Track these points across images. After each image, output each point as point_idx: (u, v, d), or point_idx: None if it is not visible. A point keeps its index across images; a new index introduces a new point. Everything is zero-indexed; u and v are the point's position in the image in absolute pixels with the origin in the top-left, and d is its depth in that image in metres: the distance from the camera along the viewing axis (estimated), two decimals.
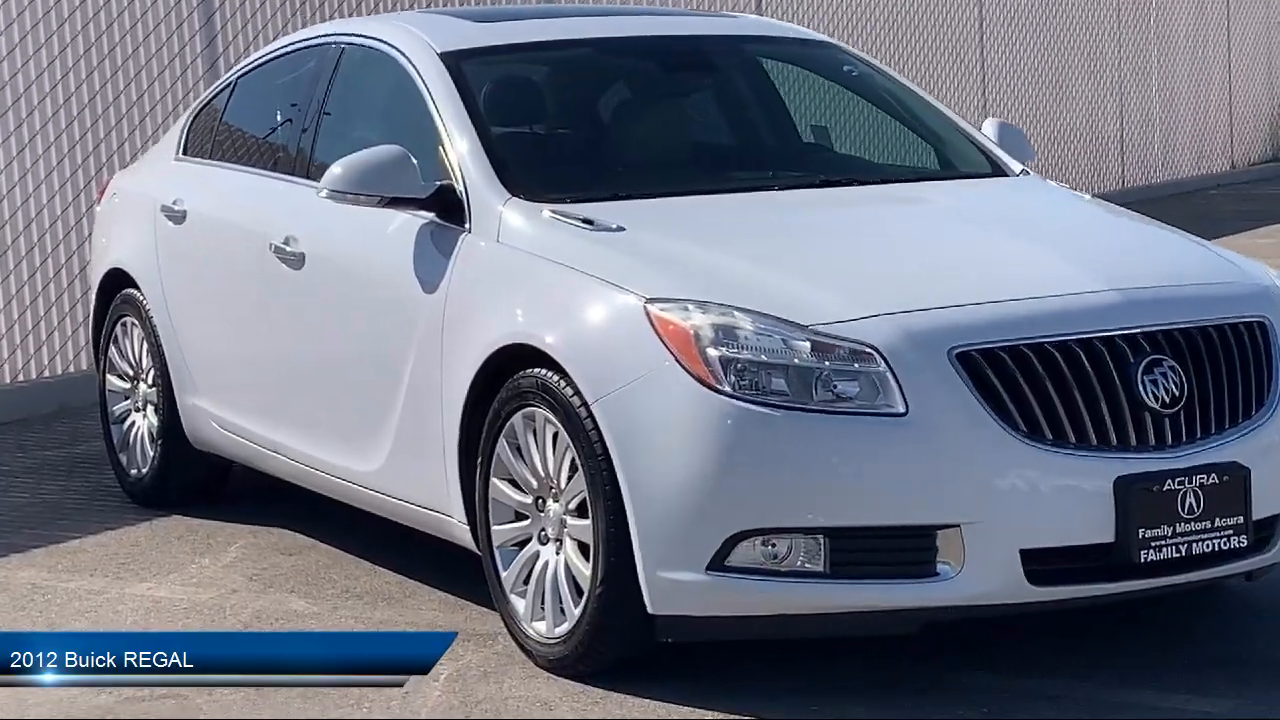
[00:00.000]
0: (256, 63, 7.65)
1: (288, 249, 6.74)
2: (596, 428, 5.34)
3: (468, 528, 5.95)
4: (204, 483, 7.83)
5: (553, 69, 6.77)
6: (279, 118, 7.30)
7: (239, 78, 7.72)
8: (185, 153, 7.88)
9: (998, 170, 6.70)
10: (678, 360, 5.22)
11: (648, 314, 5.32)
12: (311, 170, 6.88)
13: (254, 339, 7.00)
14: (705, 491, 5.15)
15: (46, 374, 10.16)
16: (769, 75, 7.14)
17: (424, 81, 6.46)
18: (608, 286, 5.48)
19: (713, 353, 5.19)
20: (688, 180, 6.40)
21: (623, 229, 5.75)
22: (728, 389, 5.16)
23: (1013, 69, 17.90)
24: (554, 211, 5.89)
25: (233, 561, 7.01)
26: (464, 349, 5.85)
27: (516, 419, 5.67)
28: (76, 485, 8.33)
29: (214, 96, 7.85)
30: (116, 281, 7.98)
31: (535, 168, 6.29)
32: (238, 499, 7.85)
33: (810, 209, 6.13)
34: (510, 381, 5.67)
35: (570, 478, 5.51)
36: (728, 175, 6.56)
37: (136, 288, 7.81)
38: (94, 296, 8.20)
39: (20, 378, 10.06)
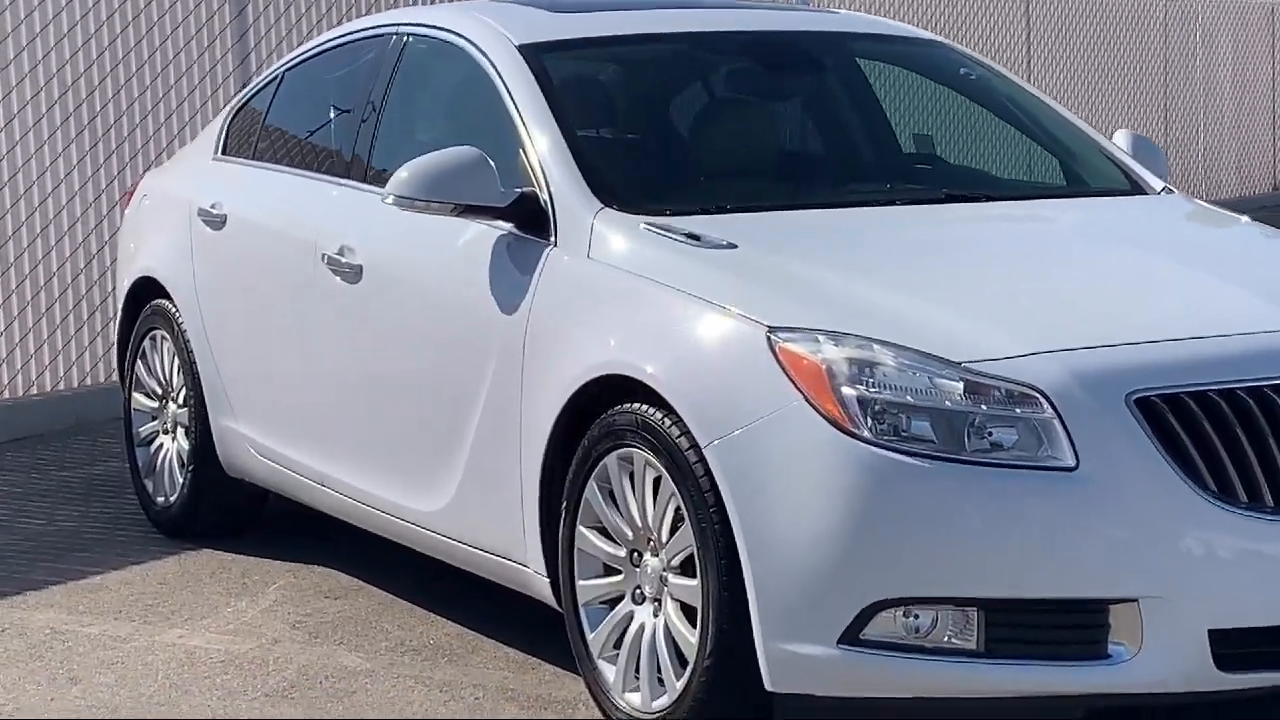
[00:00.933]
0: (306, 55, 6.91)
1: (343, 260, 6.00)
2: (708, 474, 4.61)
3: (547, 580, 5.22)
4: (238, 513, 7.10)
5: (643, 65, 6.03)
6: (332, 115, 6.56)
7: (286, 71, 6.98)
8: (224, 152, 7.14)
9: (1136, 187, 5.95)
10: (807, 399, 4.48)
11: (771, 345, 4.59)
12: (369, 174, 6.15)
13: (301, 358, 6.27)
14: (839, 552, 4.42)
15: (62, 386, 9.42)
16: (866, 77, 6.41)
17: (501, 77, 5.73)
18: (721, 312, 4.74)
19: (848, 391, 4.45)
20: (798, 192, 5.67)
21: (734, 246, 5.01)
22: (866, 434, 4.42)
23: (1061, 92, 17.21)
24: (651, 225, 5.16)
25: (272, 605, 6.27)
26: (549, 378, 5.12)
27: (610, 460, 4.94)
28: (96, 511, 7.59)
29: (258, 91, 7.11)
30: (145, 290, 7.25)
31: (629, 175, 5.56)
32: (274, 531, 7.12)
33: (942, 226, 5.39)
34: (604, 417, 4.94)
35: (674, 530, 4.78)
36: (842, 187, 5.82)
37: (168, 298, 7.08)
38: (119, 306, 7.46)
39: (35, 390, 9.33)
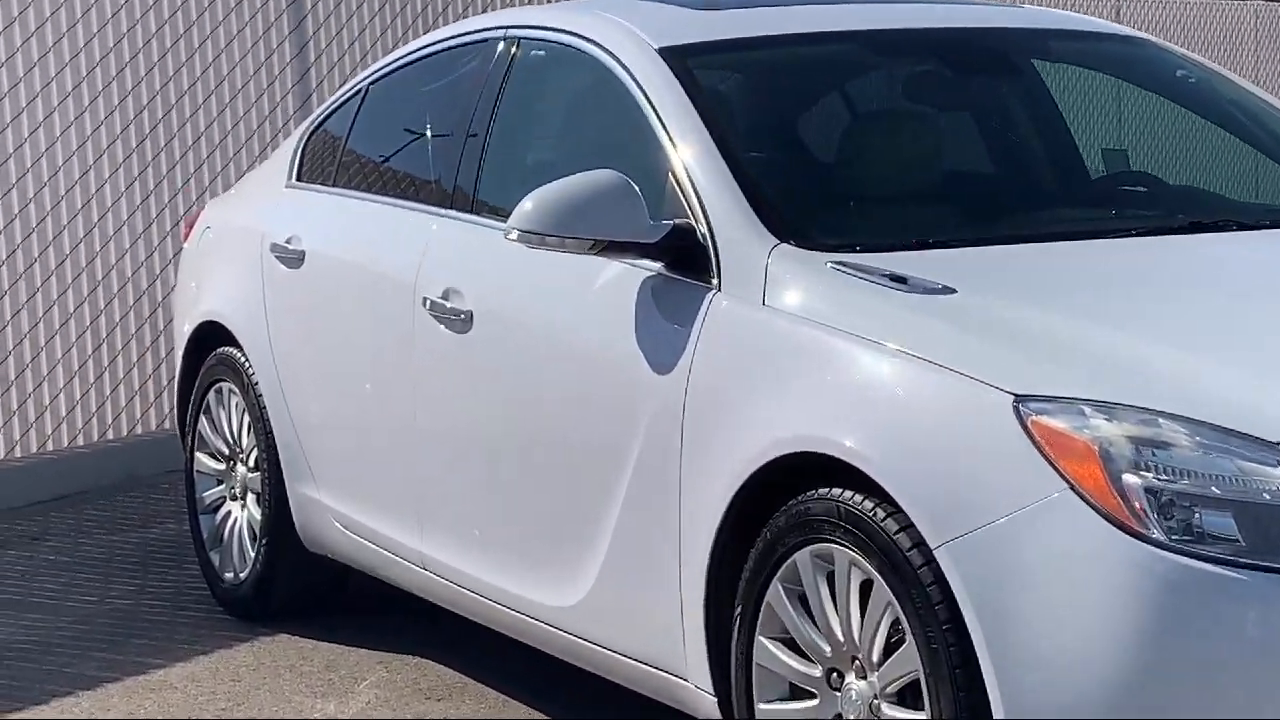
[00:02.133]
0: (394, 65, 5.92)
1: (448, 305, 5.02)
2: (940, 580, 3.61)
3: (713, 699, 4.23)
4: (317, 593, 6.11)
5: (809, 71, 5.02)
6: (428, 135, 5.57)
7: (370, 84, 5.99)
8: (299, 178, 6.16)
9: None
10: (1074, 489, 3.48)
11: (1020, 418, 3.58)
12: (476, 204, 5.16)
13: (397, 419, 5.28)
14: (1121, 685, 3.42)
15: (110, 435, 8.44)
16: (1043, 80, 5.40)
17: (640, 86, 4.73)
18: (949, 375, 3.74)
19: (1132, 480, 3.45)
20: (1011, 221, 4.66)
21: (952, 290, 4.00)
22: (1157, 534, 3.42)
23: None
24: (841, 264, 4.16)
25: (366, 709, 5.27)
26: (717, 453, 4.13)
27: (802, 558, 3.95)
28: (154, 586, 6.60)
29: (336, 108, 6.12)
30: (210, 337, 6.27)
31: (806, 203, 4.57)
32: (359, 613, 6.12)
33: (1196, 261, 4.36)
34: (794, 504, 3.95)
35: (891, 648, 3.78)
36: (1060, 214, 4.80)
37: (237, 346, 6.09)
38: (179, 354, 6.47)
39: (80, 440, 8.34)
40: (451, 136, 5.36)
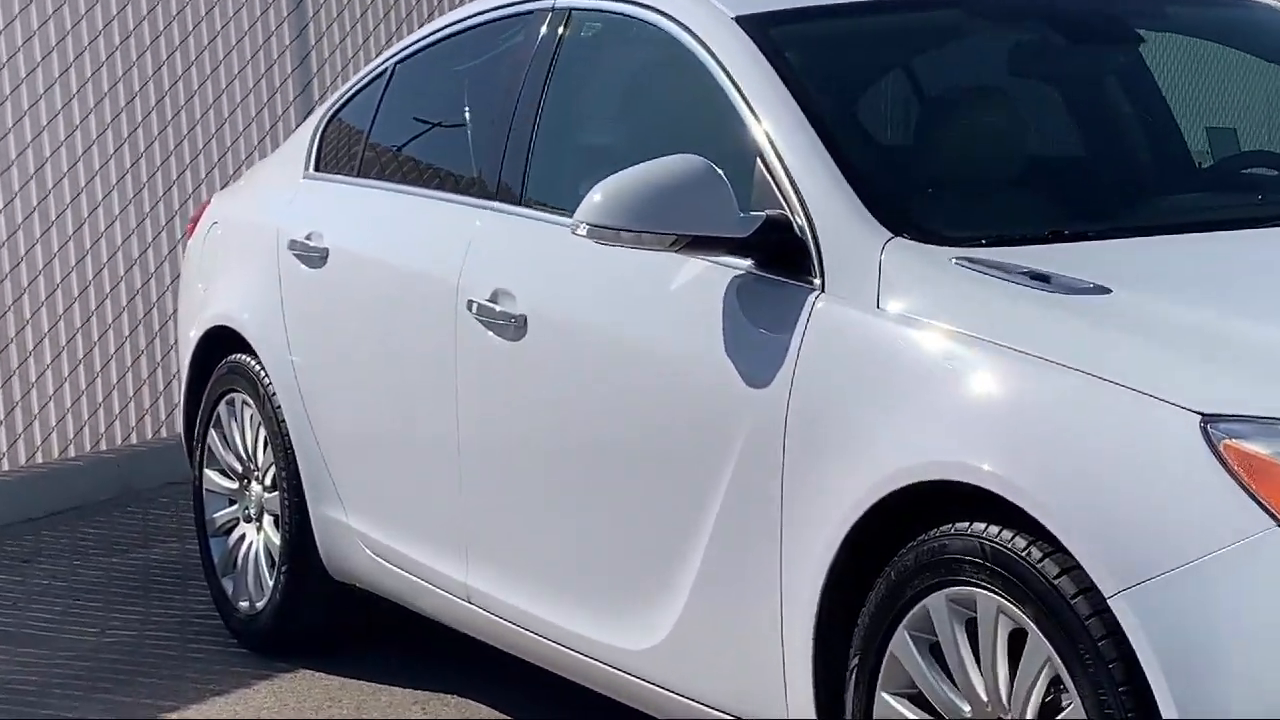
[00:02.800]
0: (424, 41, 5.33)
1: (497, 309, 4.45)
2: (1114, 633, 3.06)
3: None
4: (343, 625, 5.54)
5: (909, 40, 4.44)
6: (467, 118, 5.00)
7: (397, 63, 5.40)
8: (318, 167, 5.57)
9: None
10: None
11: (1211, 442, 3.03)
12: (526, 195, 4.59)
13: (438, 435, 4.71)
14: None
15: (104, 445, 7.85)
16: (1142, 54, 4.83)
17: (718, 60, 4.16)
18: (1118, 391, 3.18)
19: None
20: (1152, 207, 4.10)
21: (1105, 289, 3.44)
22: None
23: None
24: (968, 260, 3.60)
25: None
26: (828, 479, 3.57)
27: (935, 602, 3.39)
28: (159, 614, 6.03)
29: (359, 90, 5.53)
30: (220, 343, 5.69)
31: (922, 190, 4.00)
32: (390, 646, 5.55)
33: None
34: (925, 540, 3.39)
35: (1049, 709, 3.22)
36: (1204, 200, 4.24)
37: (250, 352, 5.52)
38: (185, 362, 5.89)
39: (72, 451, 7.75)
40: (493, 122, 4.78)
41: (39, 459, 7.62)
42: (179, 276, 7.95)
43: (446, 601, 4.81)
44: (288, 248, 5.38)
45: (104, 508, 7.38)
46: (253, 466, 5.60)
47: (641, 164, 3.91)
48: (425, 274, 4.80)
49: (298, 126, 8.48)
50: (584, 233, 3.93)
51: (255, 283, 5.53)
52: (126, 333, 7.92)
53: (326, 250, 5.22)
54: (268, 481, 5.52)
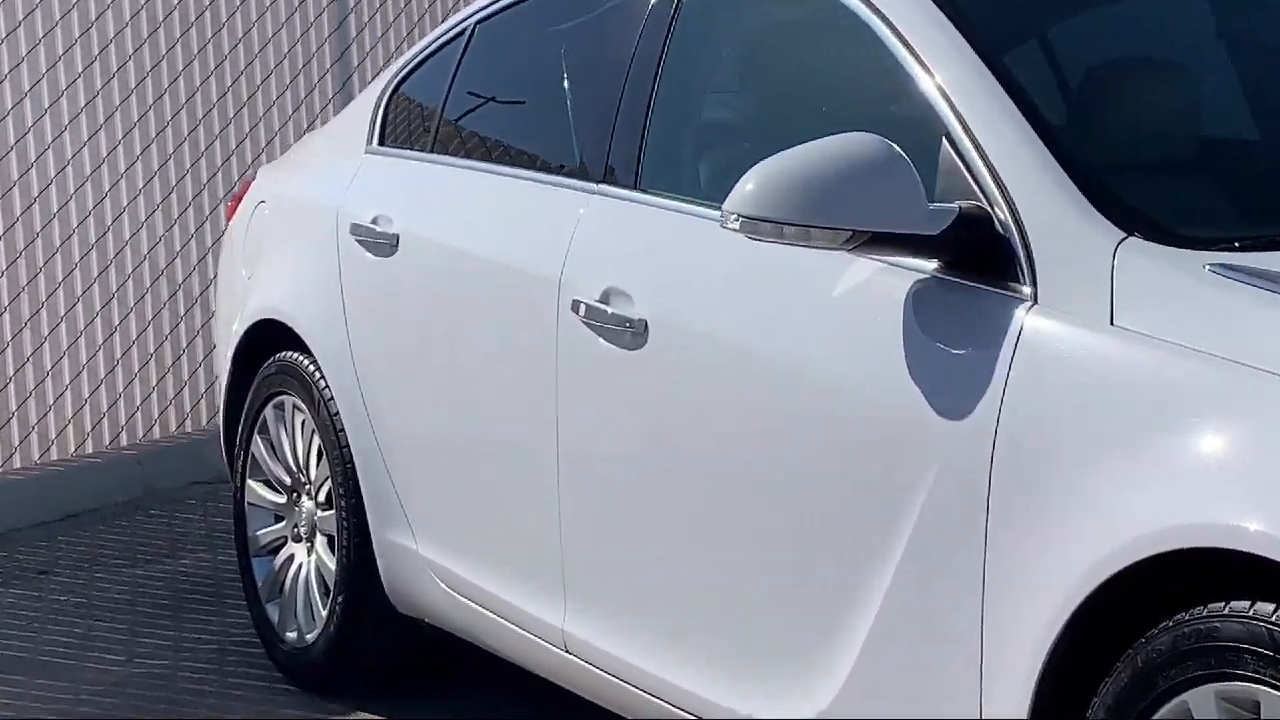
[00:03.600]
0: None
1: (610, 311, 3.76)
2: None
3: None
4: (406, 662, 4.85)
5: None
6: (566, 88, 4.30)
7: (477, 23, 4.68)
8: (382, 141, 4.87)
9: None
10: None
11: None
12: (642, 178, 3.89)
13: (533, 454, 4.01)
14: None
15: (123, 440, 7.16)
16: None
17: (884, 15, 3.46)
18: None
19: None
20: None
21: None
22: None
23: None
24: (1228, 269, 2.91)
25: None
26: (1048, 540, 2.89)
27: (1198, 698, 2.71)
28: (191, 638, 5.35)
29: (430, 55, 4.82)
30: (267, 338, 5.00)
31: (1158, 180, 3.30)
32: (449, 684, 4.87)
33: None
34: (1183, 622, 2.71)
35: None
36: None
37: (304, 350, 4.83)
38: (226, 359, 5.19)
39: (89, 447, 7.06)
40: (599, 92, 4.08)
41: (53, 455, 6.93)
42: (206, 256, 7.34)
43: (536, 647, 4.12)
44: (350, 232, 4.68)
45: (125, 510, 6.68)
46: (304, 480, 4.91)
47: (805, 145, 3.22)
48: (518, 268, 4.10)
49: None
50: (736, 226, 3.24)
51: (310, 271, 4.84)
52: (149, 317, 7.22)
53: (396, 237, 4.52)
54: (321, 497, 4.84)
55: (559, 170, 4.16)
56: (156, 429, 7.25)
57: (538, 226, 4.11)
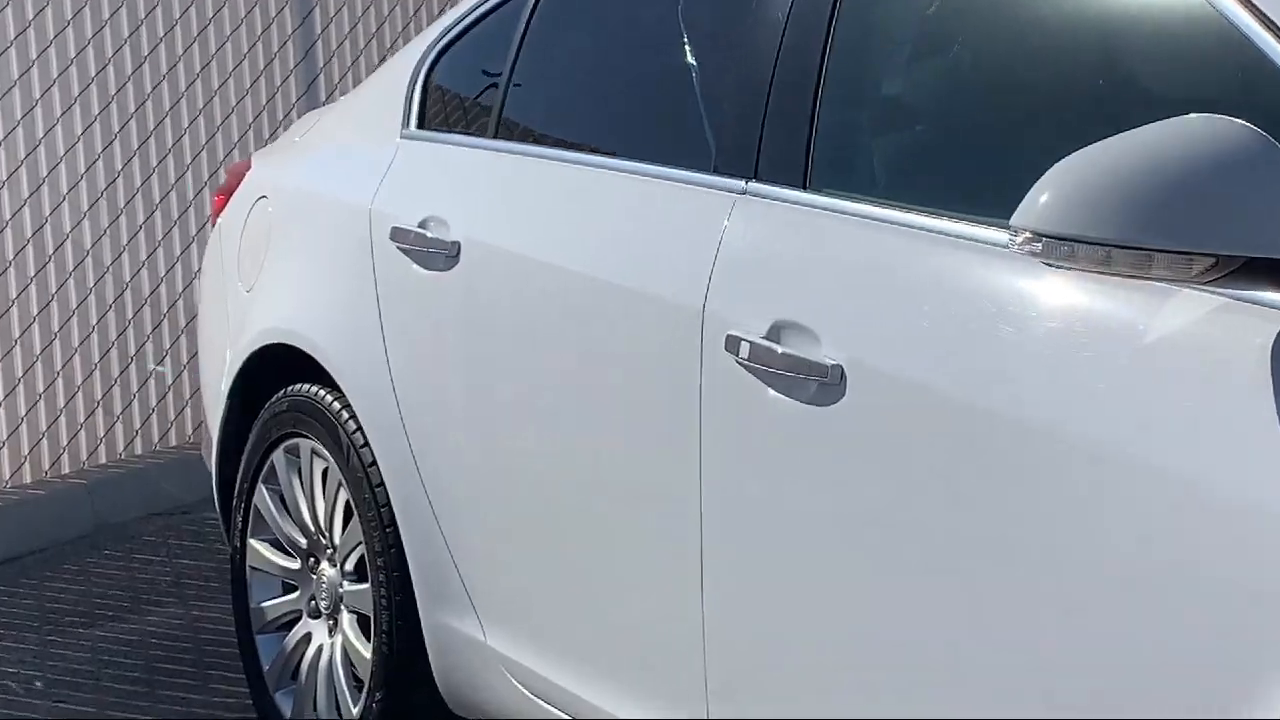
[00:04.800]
0: None
1: (782, 352, 2.78)
2: None
3: None
4: None
5: None
6: (689, 58, 3.28)
7: None
8: (423, 123, 3.84)
9: None
10: None
11: None
12: (813, 176, 2.91)
13: (660, 520, 3.03)
14: None
15: (66, 466, 6.09)
16: None
17: None
18: None
19: None
20: None
21: None
22: None
23: None
24: None
25: None
26: None
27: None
28: None
29: (487, 11, 3.79)
30: (275, 368, 3.98)
31: None
32: None
33: None
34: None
35: None
36: None
37: (327, 383, 3.81)
38: (220, 393, 4.15)
39: (27, 475, 5.99)
40: (743, 58, 3.08)
41: None
42: (157, 251, 6.30)
43: None
44: (390, 238, 3.66)
45: (75, 551, 5.62)
46: (324, 542, 3.90)
47: (1131, 135, 2.26)
48: (637, 291, 3.11)
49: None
50: (1035, 249, 2.27)
51: (334, 285, 3.82)
52: (94, 322, 6.17)
53: (457, 245, 3.51)
54: (349, 566, 3.83)
55: (683, 163, 3.16)
56: (103, 451, 6.19)
57: (662, 237, 3.12)
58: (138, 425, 6.28)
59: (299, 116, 6.71)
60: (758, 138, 3.00)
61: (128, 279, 6.25)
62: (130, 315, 6.28)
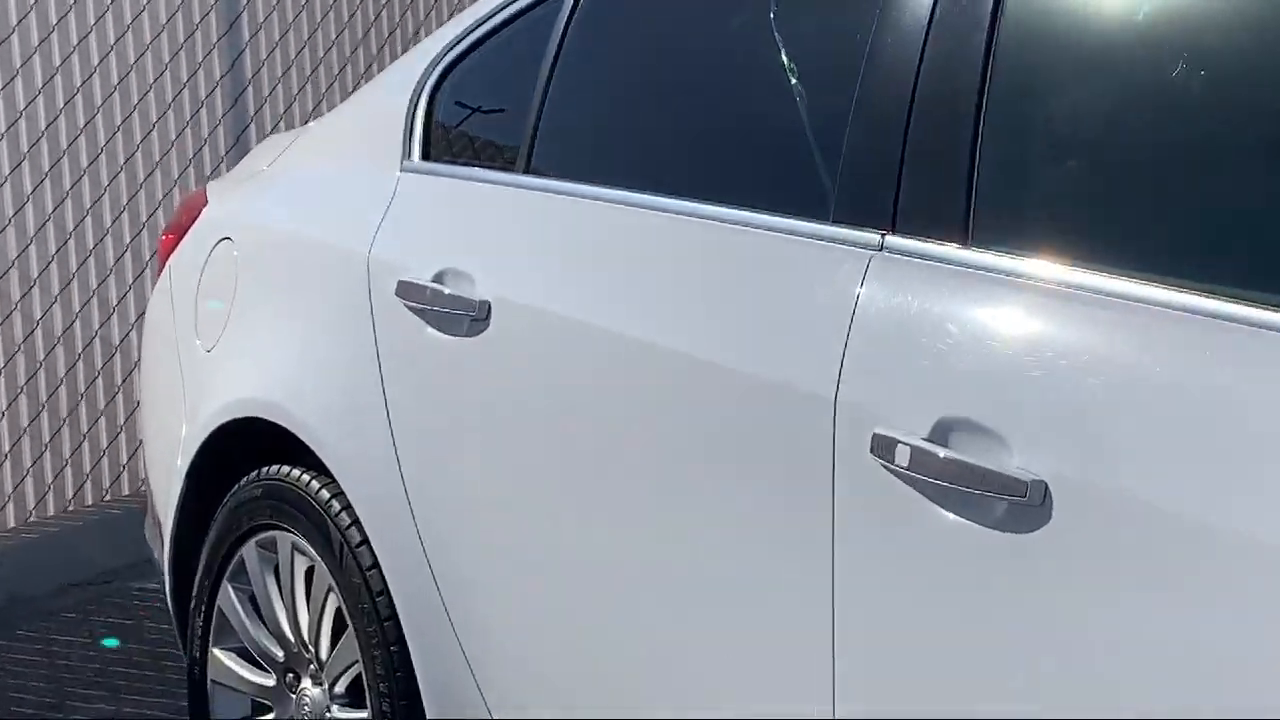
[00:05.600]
0: None
1: (956, 460, 2.12)
2: None
3: None
4: None
5: None
6: (792, 74, 2.61)
7: None
8: (428, 154, 3.15)
9: None
10: None
11: None
12: (976, 228, 2.25)
13: (785, 646, 2.38)
14: None
15: None
16: None
17: None
18: None
19: None
20: None
21: None
22: None
23: None
24: None
25: None
26: None
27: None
28: None
29: (507, 20, 3.11)
30: (244, 446, 3.28)
31: None
32: None
33: None
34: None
35: None
36: None
37: (312, 465, 3.12)
38: (175, 476, 3.43)
39: None
40: (867, 78, 2.43)
41: None
42: (50, 259, 5.57)
43: None
44: (395, 294, 2.97)
45: None
46: (308, 656, 3.21)
47: None
48: (742, 372, 2.44)
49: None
50: None
51: (323, 348, 3.13)
52: (1, 364, 5.43)
53: (485, 306, 2.83)
54: (340, 688, 3.14)
55: (788, 209, 2.50)
56: (11, 511, 5.45)
57: (769, 304, 2.45)
58: (49, 478, 5.55)
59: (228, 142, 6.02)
60: (895, 181, 2.35)
61: (38, 317, 5.52)
62: (42, 358, 5.55)
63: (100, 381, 5.67)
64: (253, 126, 6.16)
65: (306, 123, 5.24)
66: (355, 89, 6.36)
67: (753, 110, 2.67)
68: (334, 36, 6.48)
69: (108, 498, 5.65)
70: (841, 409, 2.28)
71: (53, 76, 5.53)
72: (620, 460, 2.61)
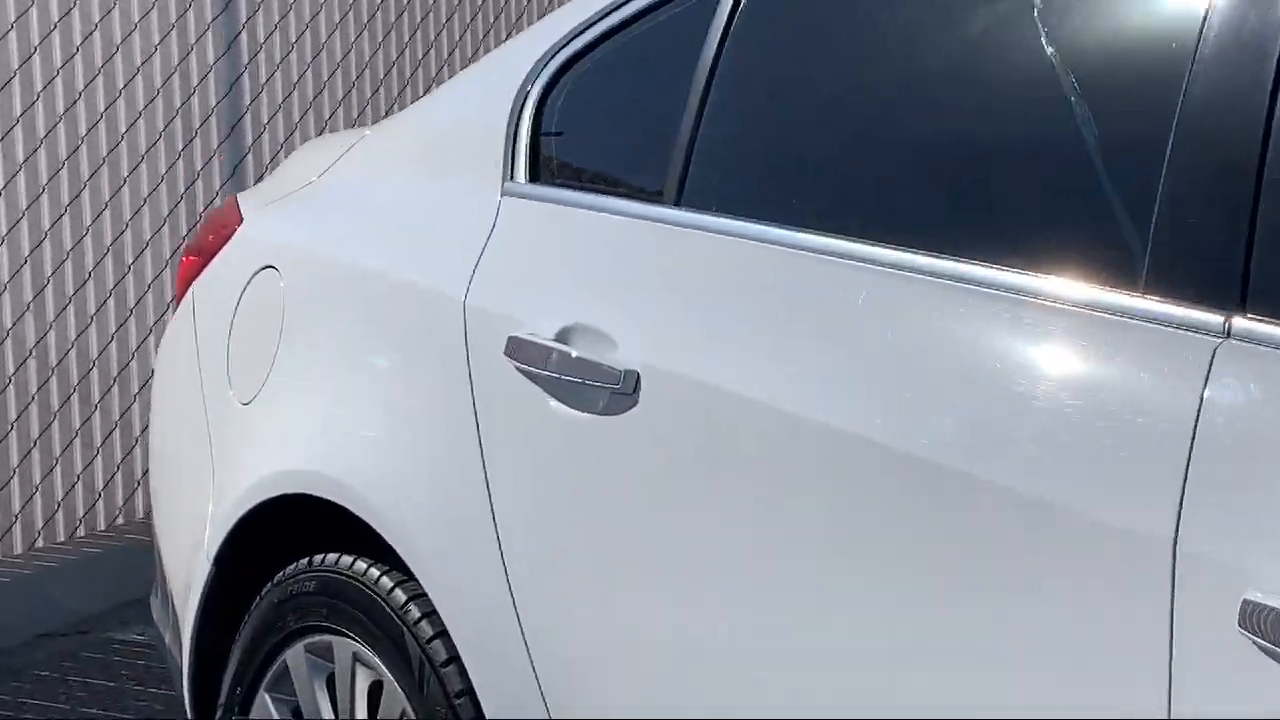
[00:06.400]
0: None
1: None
2: None
3: None
4: None
5: None
6: (1066, 86, 1.97)
7: None
8: (537, 175, 2.48)
9: None
10: None
11: None
12: None
13: None
14: None
15: None
16: None
17: None
18: None
19: None
20: None
21: None
22: None
23: None
24: None
25: None
26: None
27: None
28: None
29: (639, 13, 2.44)
30: (285, 524, 2.62)
31: None
32: None
33: None
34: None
35: None
36: None
37: (383, 555, 2.46)
38: (207, 559, 2.75)
39: None
40: (1199, 109, 1.80)
41: None
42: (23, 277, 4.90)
43: None
44: (504, 354, 2.31)
45: None
46: None
47: None
48: (1004, 487, 1.81)
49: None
50: None
51: (404, 414, 2.46)
52: None
53: (632, 377, 2.16)
54: None
55: (1072, 269, 1.86)
56: None
57: (1046, 396, 1.82)
58: (16, 509, 4.87)
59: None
60: (1245, 241, 1.72)
61: (32, 344, 4.85)
62: (12, 398, 4.87)
63: (75, 399, 5.01)
64: (250, 157, 5.51)
65: None
66: (358, 117, 5.76)
67: (1009, 137, 2.03)
68: (339, 59, 5.83)
69: (81, 532, 4.98)
70: (1183, 559, 1.65)
71: (52, 79, 4.85)
72: (838, 576, 1.97)
